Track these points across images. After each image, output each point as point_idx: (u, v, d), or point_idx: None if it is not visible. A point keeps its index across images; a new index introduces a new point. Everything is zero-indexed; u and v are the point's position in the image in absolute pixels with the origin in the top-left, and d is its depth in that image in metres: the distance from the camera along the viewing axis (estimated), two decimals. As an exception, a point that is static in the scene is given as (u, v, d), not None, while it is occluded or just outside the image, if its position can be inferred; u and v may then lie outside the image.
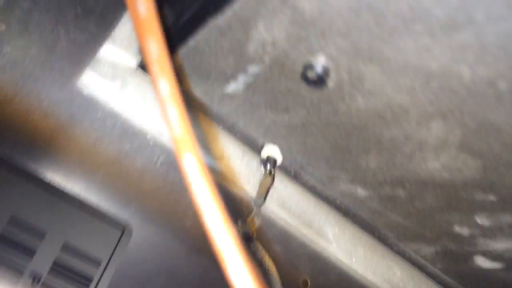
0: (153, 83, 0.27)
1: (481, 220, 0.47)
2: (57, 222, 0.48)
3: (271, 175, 0.62)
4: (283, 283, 0.61)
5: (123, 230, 0.51)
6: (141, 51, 0.27)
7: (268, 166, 0.59)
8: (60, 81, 0.49)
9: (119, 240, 0.51)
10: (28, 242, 0.46)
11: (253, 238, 0.58)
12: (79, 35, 0.50)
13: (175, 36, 0.39)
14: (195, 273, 0.57)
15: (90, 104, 0.50)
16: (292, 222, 0.65)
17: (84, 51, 0.50)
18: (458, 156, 0.40)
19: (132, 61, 0.53)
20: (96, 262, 0.49)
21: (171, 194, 0.56)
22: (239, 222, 0.59)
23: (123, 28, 0.51)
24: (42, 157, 0.48)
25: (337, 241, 0.68)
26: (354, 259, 0.68)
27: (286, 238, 0.64)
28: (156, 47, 0.27)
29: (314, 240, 0.66)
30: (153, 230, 0.54)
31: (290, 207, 0.65)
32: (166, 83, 0.27)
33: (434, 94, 0.34)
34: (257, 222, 0.60)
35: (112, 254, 0.51)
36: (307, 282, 0.66)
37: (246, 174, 0.60)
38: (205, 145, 0.56)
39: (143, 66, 0.51)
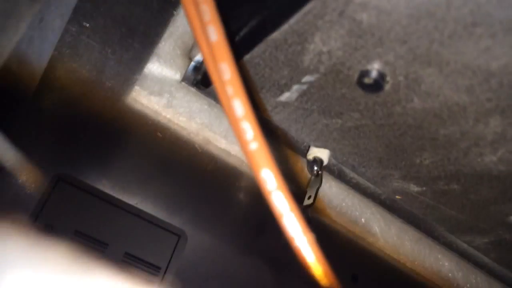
0: (225, 104, 0.29)
1: (539, 209, 0.47)
2: (118, 233, 0.49)
3: (318, 176, 0.63)
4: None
5: (179, 236, 0.53)
6: (210, 73, 0.28)
7: (315, 167, 0.60)
8: (111, 99, 0.51)
9: (175, 246, 0.53)
10: (91, 255, 0.48)
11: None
12: (126, 54, 0.52)
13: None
14: (248, 274, 0.58)
15: (141, 118, 0.52)
16: (339, 220, 0.66)
17: (131, 68, 0.52)
18: (516, 149, 0.40)
19: (177, 75, 0.54)
20: (156, 268, 0.51)
21: (221, 199, 0.57)
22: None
23: (166, 44, 0.53)
24: (99, 171, 0.50)
25: (383, 236, 0.68)
26: (401, 253, 0.69)
27: (332, 235, 0.66)
28: (229, 70, 0.29)
29: (361, 236, 0.67)
30: (206, 235, 0.55)
31: (336, 206, 0.66)
32: (241, 104, 0.28)
33: (493, 91, 0.35)
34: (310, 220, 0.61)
35: (170, 260, 0.52)
36: (357, 276, 0.68)
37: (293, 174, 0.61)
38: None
39: (187, 79, 0.52)
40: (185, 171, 0.55)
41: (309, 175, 0.61)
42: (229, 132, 0.58)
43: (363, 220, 0.68)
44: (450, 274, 0.72)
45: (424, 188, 0.50)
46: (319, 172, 0.62)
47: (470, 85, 0.35)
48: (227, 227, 0.58)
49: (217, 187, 0.58)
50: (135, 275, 0.49)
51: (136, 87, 0.52)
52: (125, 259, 0.50)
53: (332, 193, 0.65)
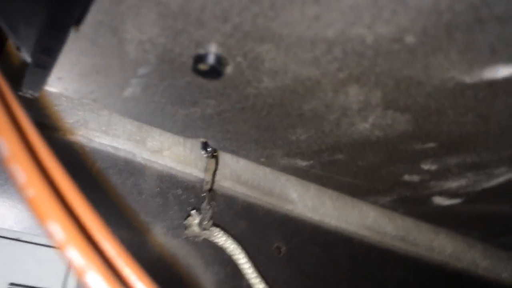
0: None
1: (427, 166, 0.44)
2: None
3: (214, 156, 0.58)
4: (256, 256, 0.59)
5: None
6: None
7: (209, 148, 0.56)
8: None
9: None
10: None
11: (209, 225, 0.56)
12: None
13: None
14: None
15: None
16: (252, 194, 0.62)
17: None
18: (386, 114, 0.36)
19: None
20: None
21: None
22: (194, 212, 0.56)
23: None
24: None
25: (302, 200, 0.65)
26: (323, 213, 0.66)
27: (249, 211, 0.62)
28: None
29: (278, 205, 0.63)
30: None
31: (247, 180, 0.62)
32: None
33: (340, 61, 0.31)
34: (213, 206, 0.57)
35: (65, 279, 0.48)
36: (280, 247, 0.65)
37: (193, 158, 0.56)
38: (137, 141, 0.52)
39: None
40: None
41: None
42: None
43: (277, 189, 0.64)
44: (376, 225, 0.70)
45: (311, 162, 0.47)
46: (214, 153, 0.58)
47: (314, 58, 0.30)
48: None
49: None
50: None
51: None
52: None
53: (240, 168, 0.61)
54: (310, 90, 0.34)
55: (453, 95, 0.33)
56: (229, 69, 0.33)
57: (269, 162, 0.49)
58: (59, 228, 0.21)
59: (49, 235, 0.21)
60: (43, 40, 0.30)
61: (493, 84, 0.31)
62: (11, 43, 0.40)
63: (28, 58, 0.34)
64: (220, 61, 0.32)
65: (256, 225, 0.62)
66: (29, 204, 0.21)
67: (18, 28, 0.31)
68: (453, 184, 0.47)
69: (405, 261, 0.72)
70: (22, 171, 0.21)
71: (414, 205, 0.56)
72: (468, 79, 0.31)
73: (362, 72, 0.31)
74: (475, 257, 0.75)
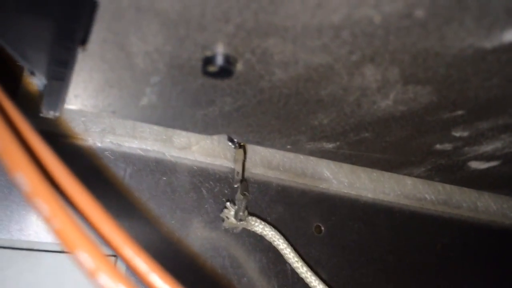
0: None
1: (459, 133, 0.43)
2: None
3: (241, 146, 0.58)
4: (296, 238, 0.59)
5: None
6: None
7: (235, 139, 0.56)
8: None
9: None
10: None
11: (245, 215, 0.56)
12: None
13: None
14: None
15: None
16: (285, 177, 0.62)
17: None
18: (407, 89, 0.35)
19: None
20: None
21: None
22: (229, 204, 0.56)
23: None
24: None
25: (336, 178, 0.65)
26: (359, 187, 0.65)
27: (284, 194, 0.62)
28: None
29: (313, 185, 0.63)
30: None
31: (278, 165, 0.62)
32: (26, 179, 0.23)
33: (350, 44, 0.29)
34: (247, 196, 0.57)
35: None
36: (320, 226, 0.65)
37: (221, 150, 0.57)
38: (164, 140, 0.53)
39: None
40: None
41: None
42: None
43: (310, 169, 0.64)
44: (415, 191, 0.68)
45: (338, 143, 0.46)
46: (241, 143, 0.58)
47: (323, 45, 0.30)
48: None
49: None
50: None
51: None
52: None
53: (270, 153, 0.61)
54: (324, 76, 0.33)
55: (474, 62, 0.31)
56: (239, 67, 0.32)
57: (295, 148, 0.49)
58: (87, 256, 0.22)
59: (79, 263, 0.22)
60: (56, 52, 0.30)
61: (515, 46, 0.30)
62: (26, 73, 0.41)
63: (43, 81, 0.35)
64: (229, 61, 0.31)
65: (293, 207, 0.62)
66: (56, 235, 0.22)
67: (27, 52, 0.32)
68: (488, 147, 0.46)
69: (449, 225, 0.71)
70: (45, 204, 0.22)
71: (450, 172, 0.54)
72: (488, 44, 0.30)
73: (375, 52, 0.30)
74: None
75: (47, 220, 0.22)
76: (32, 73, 0.35)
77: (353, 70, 0.32)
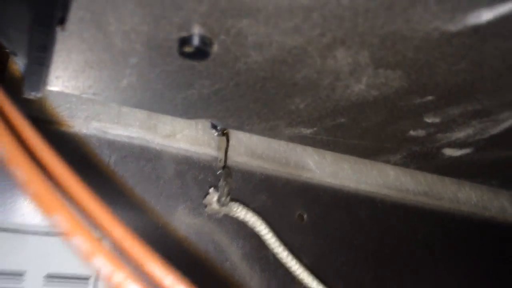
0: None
1: (430, 119, 0.44)
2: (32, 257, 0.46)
3: (224, 134, 0.59)
4: (279, 226, 0.60)
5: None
6: None
7: (218, 127, 0.57)
8: None
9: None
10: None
11: (227, 200, 0.57)
12: None
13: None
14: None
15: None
16: (269, 166, 0.63)
17: None
18: (377, 73, 0.36)
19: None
20: (84, 279, 0.48)
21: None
22: (212, 190, 0.57)
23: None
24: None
25: (320, 167, 0.66)
26: (343, 177, 0.67)
27: (268, 183, 0.63)
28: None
29: (296, 174, 0.64)
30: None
31: (262, 154, 0.63)
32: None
33: (321, 26, 0.31)
34: (230, 182, 0.58)
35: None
36: (303, 215, 0.66)
37: (206, 138, 0.58)
38: (149, 128, 0.53)
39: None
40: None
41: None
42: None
43: (294, 159, 0.65)
44: (398, 182, 0.70)
45: (315, 129, 0.47)
46: (224, 131, 0.59)
47: (295, 26, 0.31)
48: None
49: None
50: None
51: None
52: (48, 282, 0.47)
53: (254, 143, 0.62)
54: (298, 59, 0.35)
55: (441, 45, 0.33)
56: (215, 48, 0.33)
57: (274, 133, 0.50)
58: (63, 219, 0.23)
59: (55, 226, 0.23)
60: (35, 37, 0.31)
61: (479, 29, 0.31)
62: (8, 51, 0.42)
63: (25, 62, 0.36)
64: (205, 41, 0.32)
65: (276, 196, 0.63)
66: (33, 200, 0.23)
67: (9, 34, 0.32)
68: (460, 134, 0.47)
69: (431, 216, 0.72)
70: (21, 170, 0.23)
71: (425, 160, 0.56)
72: (452, 27, 0.31)
73: (345, 34, 0.32)
74: (503, 204, 0.74)
75: (23, 185, 0.23)
76: (14, 54, 0.36)
77: (325, 52, 0.34)
